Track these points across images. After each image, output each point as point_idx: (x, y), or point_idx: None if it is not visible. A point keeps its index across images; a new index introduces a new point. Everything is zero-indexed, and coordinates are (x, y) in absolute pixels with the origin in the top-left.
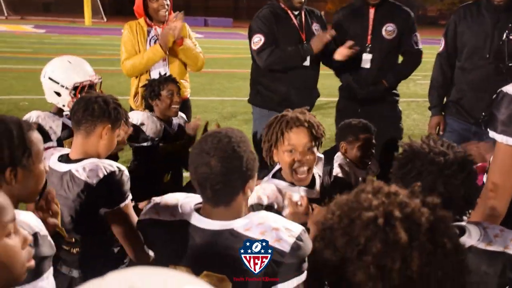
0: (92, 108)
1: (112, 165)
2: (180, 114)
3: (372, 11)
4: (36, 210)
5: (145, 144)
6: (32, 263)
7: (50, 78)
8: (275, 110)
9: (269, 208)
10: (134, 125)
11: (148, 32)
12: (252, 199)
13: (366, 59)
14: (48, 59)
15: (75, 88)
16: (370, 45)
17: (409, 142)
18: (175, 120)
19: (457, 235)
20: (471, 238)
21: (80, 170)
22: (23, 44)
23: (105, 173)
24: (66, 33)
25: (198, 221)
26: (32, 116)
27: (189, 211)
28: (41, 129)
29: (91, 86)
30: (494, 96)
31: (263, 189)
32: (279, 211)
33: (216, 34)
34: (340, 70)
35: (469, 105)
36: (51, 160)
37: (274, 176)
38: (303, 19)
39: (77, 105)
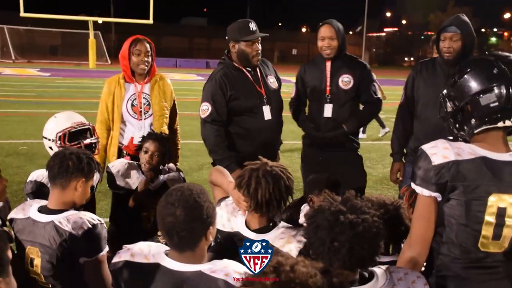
0: (67, 165)
1: (93, 218)
2: (174, 174)
3: (328, 64)
4: None
5: (120, 191)
6: None
7: (43, 137)
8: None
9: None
10: (110, 173)
11: (127, 89)
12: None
13: (328, 109)
14: (51, 102)
15: (60, 138)
16: (329, 96)
17: (325, 197)
18: (162, 177)
19: None
20: (378, 283)
21: (64, 222)
22: (27, 87)
23: (89, 226)
24: (70, 76)
25: (170, 264)
26: (38, 175)
27: (161, 256)
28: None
29: (84, 131)
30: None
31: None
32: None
33: None
34: (300, 120)
35: None
36: (31, 211)
37: None
38: (259, 74)
39: (52, 161)
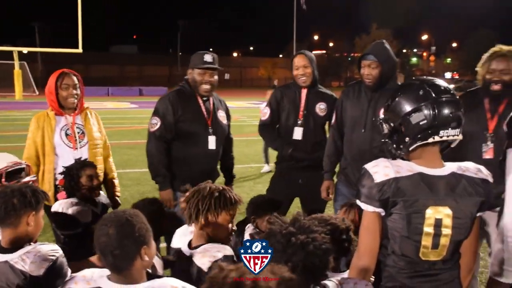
0: (12, 203)
1: (52, 253)
2: (102, 194)
3: (304, 91)
4: None
5: (78, 231)
6: None
7: None
8: (179, 191)
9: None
10: (62, 214)
11: (58, 121)
12: (206, 266)
13: (298, 132)
14: None
15: None
16: (301, 120)
17: (275, 220)
18: (98, 199)
19: None
20: None
21: (20, 262)
22: None
23: (49, 264)
24: None
25: (109, 286)
26: None
27: (103, 279)
28: None
29: (19, 170)
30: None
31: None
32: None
33: (151, 104)
34: (280, 143)
35: (352, 174)
36: None
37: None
38: (211, 105)
39: None
